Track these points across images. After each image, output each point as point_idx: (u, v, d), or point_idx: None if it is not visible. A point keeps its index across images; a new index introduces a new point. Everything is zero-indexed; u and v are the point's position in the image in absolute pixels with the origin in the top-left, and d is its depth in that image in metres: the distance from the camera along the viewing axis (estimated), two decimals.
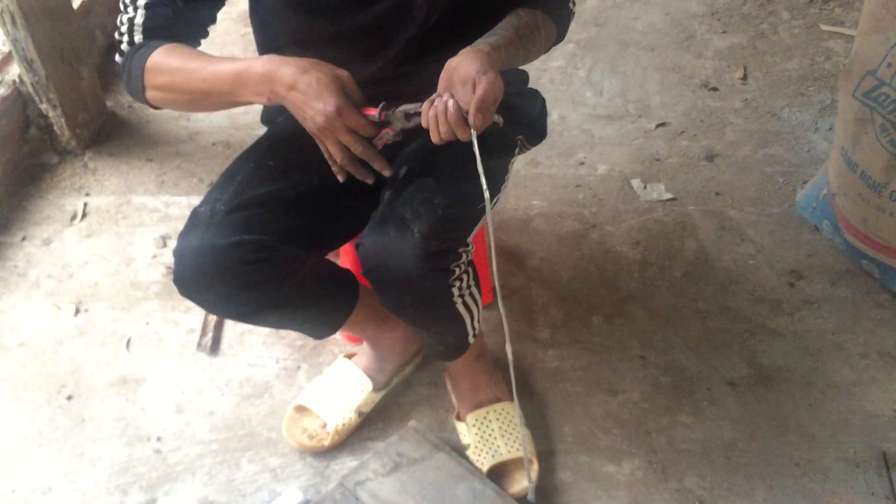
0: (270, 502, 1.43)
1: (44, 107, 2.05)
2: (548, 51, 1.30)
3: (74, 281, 1.83)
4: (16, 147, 2.08)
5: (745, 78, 2.39)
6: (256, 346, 1.70)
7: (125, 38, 1.22)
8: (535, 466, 1.45)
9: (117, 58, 1.24)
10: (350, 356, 1.60)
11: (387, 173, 1.19)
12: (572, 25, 1.34)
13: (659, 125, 2.24)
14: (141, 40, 1.21)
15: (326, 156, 1.19)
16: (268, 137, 1.38)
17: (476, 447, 1.46)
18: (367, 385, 1.53)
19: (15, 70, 2.03)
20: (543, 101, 1.50)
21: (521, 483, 1.42)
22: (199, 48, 1.25)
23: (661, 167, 2.11)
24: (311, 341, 1.67)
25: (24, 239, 1.93)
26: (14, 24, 1.87)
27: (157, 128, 2.23)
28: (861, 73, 1.60)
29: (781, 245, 1.90)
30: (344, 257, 1.61)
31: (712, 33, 2.56)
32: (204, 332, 1.71)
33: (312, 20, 1.23)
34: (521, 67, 1.42)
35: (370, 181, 1.21)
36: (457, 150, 1.10)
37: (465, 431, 1.50)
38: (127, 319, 1.75)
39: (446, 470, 1.41)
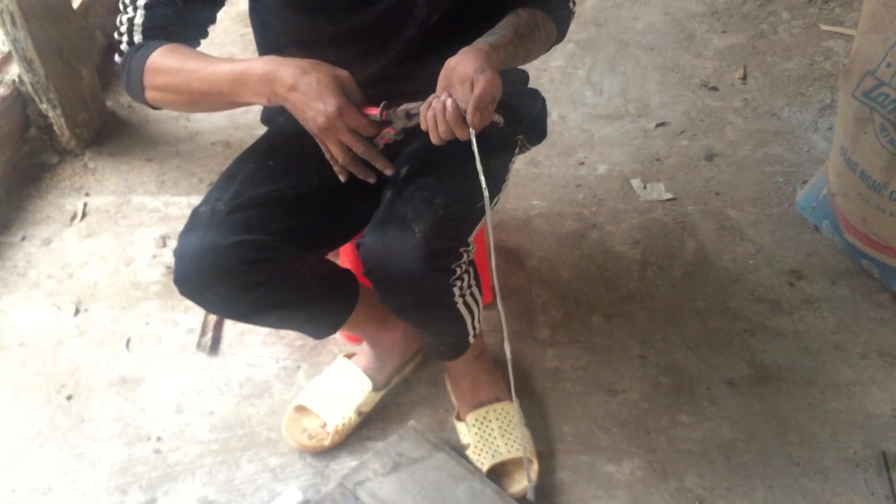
0: (270, 502, 1.43)
1: (43, 107, 2.05)
2: (548, 50, 1.30)
3: (74, 281, 1.83)
4: (15, 147, 2.08)
5: (744, 78, 2.39)
6: (256, 345, 1.70)
7: (124, 38, 1.22)
8: (535, 466, 1.45)
9: (116, 58, 1.24)
10: (350, 356, 1.60)
11: (389, 172, 1.19)
12: (572, 25, 1.34)
13: (659, 125, 2.24)
14: (140, 40, 1.21)
15: (328, 156, 1.19)
16: (268, 137, 1.38)
17: (476, 447, 1.46)
18: (367, 385, 1.53)
19: (14, 70, 2.03)
20: (543, 100, 1.50)
21: (521, 483, 1.42)
22: (199, 48, 1.25)
23: (660, 167, 2.11)
24: (310, 341, 1.67)
25: (23, 239, 1.93)
26: (14, 23, 1.87)
27: (156, 128, 2.23)
28: (861, 72, 1.60)
29: (781, 245, 1.90)
30: (344, 257, 1.61)
31: (712, 33, 2.56)
32: (203, 332, 1.71)
33: (313, 20, 1.23)
34: (520, 67, 1.42)
35: (372, 180, 1.21)
36: (457, 149, 1.10)
37: (465, 431, 1.50)
38: (127, 319, 1.75)
39: (446, 470, 1.41)
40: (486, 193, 1.07)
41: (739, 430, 1.55)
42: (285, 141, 1.33)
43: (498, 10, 1.21)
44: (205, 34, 1.27)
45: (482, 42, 1.11)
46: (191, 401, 1.60)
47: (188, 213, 1.23)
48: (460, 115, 1.05)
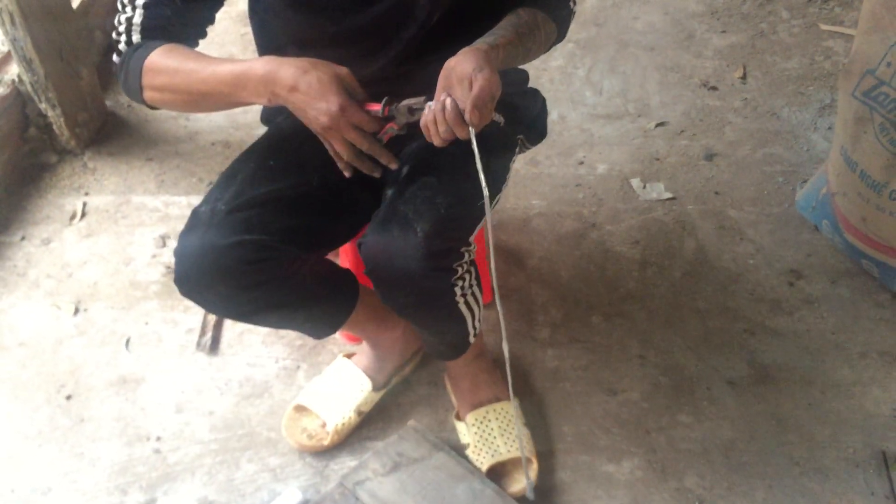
0: (270, 502, 1.43)
1: (43, 106, 2.05)
2: (548, 50, 1.30)
3: (74, 281, 1.83)
4: (15, 147, 2.08)
5: (744, 77, 2.39)
6: (256, 345, 1.70)
7: (123, 37, 1.21)
8: (535, 466, 1.45)
9: (115, 58, 1.24)
10: (349, 356, 1.60)
11: (394, 166, 1.20)
12: (572, 25, 1.34)
13: (658, 124, 2.24)
14: (139, 40, 1.20)
15: (332, 153, 1.19)
16: (268, 137, 1.38)
17: (475, 447, 1.46)
18: (367, 384, 1.53)
19: (14, 70, 2.03)
20: (543, 100, 1.50)
21: (521, 482, 1.42)
22: (197, 48, 1.25)
23: (660, 166, 2.11)
24: (310, 341, 1.67)
25: (23, 238, 1.93)
26: (13, 23, 1.87)
27: (156, 127, 2.23)
28: (860, 72, 1.60)
29: (781, 244, 1.90)
30: (344, 257, 1.61)
31: (712, 33, 2.56)
32: (203, 332, 1.71)
33: (313, 20, 1.23)
34: (520, 67, 1.42)
35: (377, 175, 1.21)
36: (458, 149, 1.11)
37: (465, 431, 1.50)
38: (126, 319, 1.75)
39: (446, 469, 1.40)
40: (486, 192, 1.07)
41: (739, 429, 1.55)
42: (285, 141, 1.33)
43: (498, 10, 1.21)
44: (204, 34, 1.27)
45: (481, 42, 1.11)
46: (191, 401, 1.60)
47: (188, 212, 1.23)
48: (459, 115, 1.05)
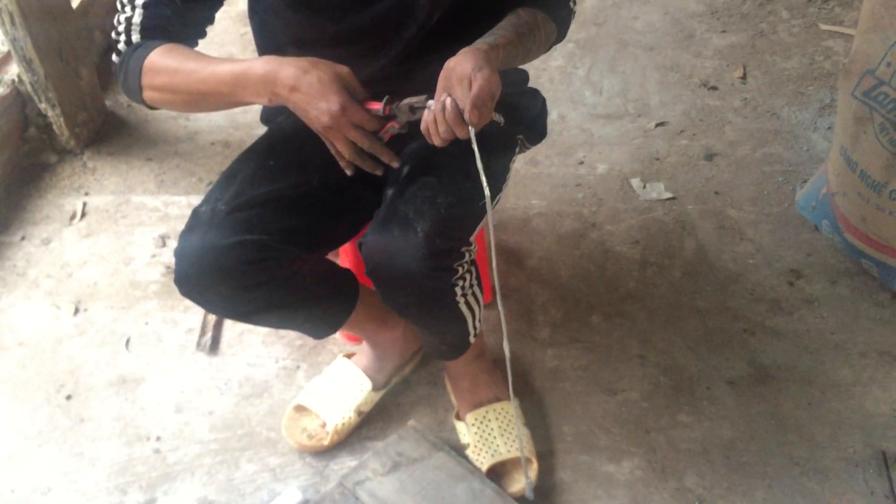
0: (270, 502, 1.43)
1: (43, 106, 2.05)
2: (548, 50, 1.30)
3: (73, 280, 1.83)
4: (15, 146, 2.08)
5: (744, 77, 2.39)
6: (256, 345, 1.69)
7: (122, 37, 1.21)
8: (535, 466, 1.45)
9: (114, 57, 1.24)
10: (349, 356, 1.60)
11: (395, 164, 1.20)
12: (572, 25, 1.34)
13: (658, 124, 2.24)
14: (138, 40, 1.20)
15: (334, 152, 1.19)
16: (268, 137, 1.38)
17: (475, 446, 1.46)
18: (367, 384, 1.53)
19: (14, 69, 2.03)
20: (543, 100, 1.50)
21: (521, 482, 1.42)
22: (197, 48, 1.25)
23: (660, 166, 2.11)
24: (310, 341, 1.67)
25: (23, 238, 1.93)
26: (13, 23, 1.87)
27: (156, 127, 2.23)
28: (860, 72, 1.60)
29: (781, 244, 1.90)
30: (344, 257, 1.61)
31: (712, 32, 2.56)
32: (203, 332, 1.71)
33: (313, 20, 1.23)
34: (520, 67, 1.42)
35: (379, 173, 1.21)
36: (459, 149, 1.11)
37: (465, 431, 1.50)
38: (126, 319, 1.75)
39: (446, 469, 1.40)
40: (486, 192, 1.07)
41: (739, 429, 1.55)
42: (285, 141, 1.33)
43: (498, 9, 1.21)
44: (203, 34, 1.27)
45: (481, 42, 1.11)
46: (190, 400, 1.60)
47: (188, 212, 1.23)
48: (460, 114, 1.05)
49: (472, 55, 1.06)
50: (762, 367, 1.65)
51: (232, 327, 1.73)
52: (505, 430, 1.47)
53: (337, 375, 1.55)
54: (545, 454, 1.50)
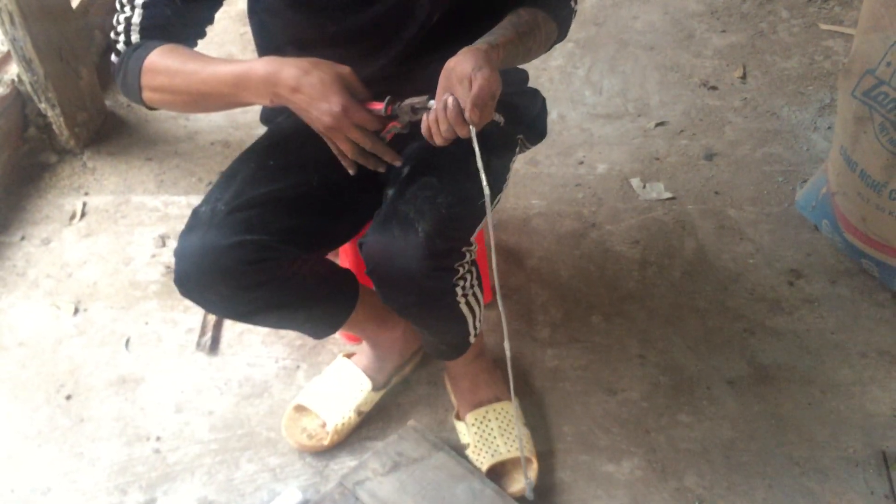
0: (270, 502, 1.43)
1: (42, 106, 2.05)
2: (549, 49, 1.30)
3: (73, 280, 1.83)
4: (14, 146, 2.08)
5: (744, 77, 2.39)
6: (255, 345, 1.69)
7: (122, 37, 1.21)
8: (535, 466, 1.45)
9: (113, 58, 1.23)
10: (349, 355, 1.60)
11: (397, 163, 1.20)
12: (572, 24, 1.33)
13: (658, 124, 2.24)
14: (138, 40, 1.20)
15: (336, 152, 1.18)
16: (268, 137, 1.38)
17: (475, 446, 1.46)
18: (367, 384, 1.53)
19: (13, 69, 2.03)
20: (543, 100, 1.50)
21: (521, 482, 1.42)
22: (196, 48, 1.25)
23: (660, 166, 2.11)
24: (310, 341, 1.67)
25: (23, 238, 1.93)
26: (13, 23, 1.86)
27: (156, 127, 2.23)
28: (860, 71, 1.60)
29: (781, 244, 1.90)
30: (343, 257, 1.61)
31: (711, 32, 2.56)
32: (203, 332, 1.71)
33: (313, 20, 1.23)
34: (520, 67, 1.42)
35: (382, 169, 1.21)
36: (459, 149, 1.11)
37: (465, 431, 1.50)
38: (126, 319, 1.75)
39: (446, 469, 1.40)
40: (486, 191, 1.07)
41: (739, 429, 1.55)
42: (285, 141, 1.33)
43: (499, 9, 1.21)
44: (203, 34, 1.27)
45: (482, 42, 1.11)
46: (190, 400, 1.60)
47: (187, 212, 1.23)
48: (461, 113, 1.05)
49: (472, 55, 1.06)
50: (762, 367, 1.65)
51: (232, 327, 1.73)
52: (505, 429, 1.47)
53: (337, 375, 1.55)
54: (545, 454, 1.50)
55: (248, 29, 1.37)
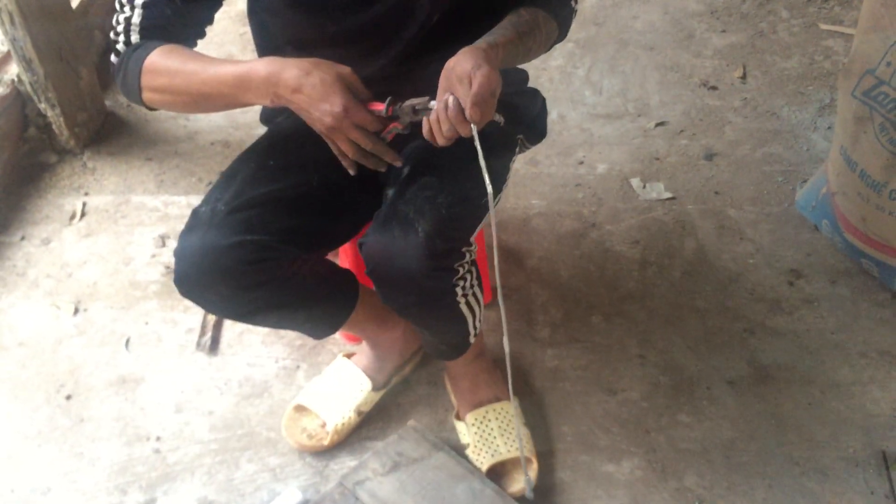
0: (270, 502, 1.43)
1: (42, 106, 2.05)
2: (549, 49, 1.30)
3: (73, 280, 1.83)
4: (14, 146, 2.08)
5: (744, 77, 2.39)
6: (255, 345, 1.69)
7: (121, 38, 1.21)
8: (535, 465, 1.45)
9: (113, 58, 1.23)
10: (349, 355, 1.60)
11: (398, 164, 1.19)
12: (572, 24, 1.33)
13: (658, 124, 2.24)
14: (138, 40, 1.20)
15: (336, 152, 1.18)
16: (268, 137, 1.38)
17: (475, 446, 1.46)
18: (367, 384, 1.52)
19: (13, 69, 2.03)
20: (543, 100, 1.50)
21: (521, 482, 1.42)
22: (196, 48, 1.25)
23: (660, 166, 2.11)
24: (310, 341, 1.67)
25: (23, 238, 1.93)
26: (12, 23, 1.86)
27: (156, 127, 2.23)
28: (860, 71, 1.60)
29: (781, 244, 1.90)
30: (343, 257, 1.61)
31: (711, 32, 2.56)
32: (203, 332, 1.71)
33: (313, 20, 1.23)
34: (520, 66, 1.42)
35: (383, 168, 1.21)
36: (459, 149, 1.11)
37: (465, 431, 1.50)
38: (126, 319, 1.75)
39: (446, 469, 1.40)
40: (489, 189, 1.07)
41: (739, 429, 1.55)
42: (285, 141, 1.33)
43: (499, 9, 1.21)
44: (203, 34, 1.27)
45: (481, 41, 1.11)
46: (190, 400, 1.60)
47: (187, 212, 1.23)
48: (462, 112, 1.05)
49: (471, 54, 1.06)
50: (762, 367, 1.65)
51: (232, 327, 1.73)
52: (505, 429, 1.47)
53: (337, 375, 1.55)
54: (545, 454, 1.50)
55: (248, 29, 1.37)
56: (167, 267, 1.85)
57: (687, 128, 2.22)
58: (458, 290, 1.24)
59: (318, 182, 1.27)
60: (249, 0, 1.31)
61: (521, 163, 2.08)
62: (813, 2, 2.64)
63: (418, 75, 1.20)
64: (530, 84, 1.52)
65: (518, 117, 1.39)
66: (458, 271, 1.22)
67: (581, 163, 2.12)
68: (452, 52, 1.08)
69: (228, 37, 2.53)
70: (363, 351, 1.57)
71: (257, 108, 1.40)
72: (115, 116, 2.25)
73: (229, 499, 1.45)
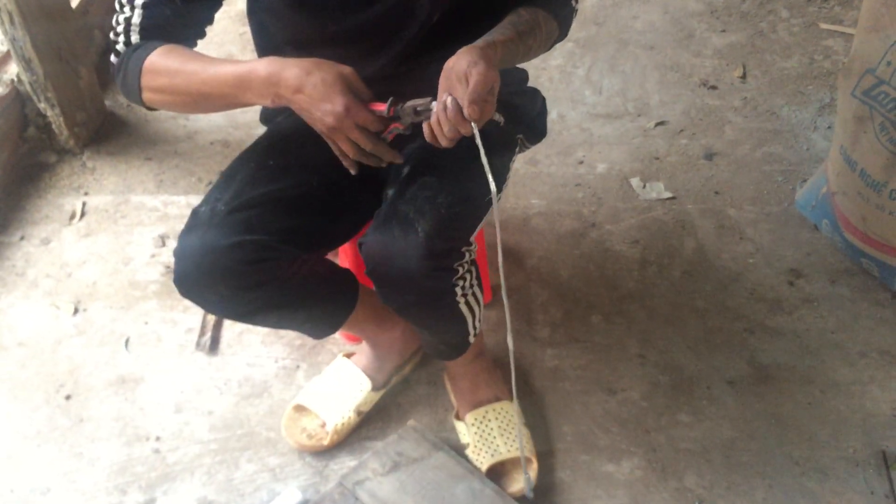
0: (269, 502, 1.43)
1: (42, 106, 2.05)
2: (550, 48, 1.29)
3: (73, 280, 1.83)
4: (14, 146, 2.08)
5: (744, 76, 2.39)
6: (255, 345, 1.69)
7: (121, 38, 1.21)
8: (535, 465, 1.45)
9: (112, 58, 1.23)
10: (349, 355, 1.60)
11: (399, 161, 1.19)
12: (572, 24, 1.33)
13: (658, 124, 2.24)
14: (138, 40, 1.20)
15: (337, 152, 1.18)
16: (268, 137, 1.37)
17: (475, 446, 1.46)
18: (366, 384, 1.52)
19: (13, 69, 2.03)
20: (543, 99, 1.50)
21: (521, 482, 1.42)
22: (195, 48, 1.25)
23: (660, 166, 2.11)
24: (310, 341, 1.67)
25: (22, 238, 1.93)
26: (12, 22, 1.86)
27: (155, 127, 2.23)
28: (860, 71, 1.60)
29: (781, 244, 1.90)
30: (343, 257, 1.60)
31: (711, 32, 2.56)
32: (203, 332, 1.71)
33: (313, 19, 1.23)
34: (520, 66, 1.42)
35: (383, 165, 1.20)
36: (459, 148, 1.10)
37: (465, 430, 1.50)
38: (125, 319, 1.75)
39: (445, 469, 1.40)
40: (493, 187, 1.07)
41: (739, 429, 1.55)
42: (285, 141, 1.33)
43: (499, 9, 1.21)
44: (202, 34, 1.27)
45: (479, 40, 1.11)
46: (190, 400, 1.60)
47: (187, 212, 1.23)
48: (461, 112, 1.05)
49: (468, 52, 1.06)
50: (762, 366, 1.65)
51: (231, 327, 1.72)
52: (505, 429, 1.47)
53: (336, 375, 1.55)
54: (545, 454, 1.50)
55: (248, 29, 1.37)
56: (167, 267, 1.85)
57: (687, 127, 2.22)
58: (458, 290, 1.24)
59: (318, 182, 1.27)
60: (249, 0, 1.31)
61: (521, 162, 2.08)
62: (813, 1, 2.64)
63: (418, 75, 1.20)
64: (530, 83, 1.52)
65: (518, 117, 1.39)
66: (458, 271, 1.22)
67: (581, 162, 2.12)
68: (453, 52, 1.08)
69: (228, 37, 2.53)
70: (363, 351, 1.57)
71: (257, 108, 1.39)
72: (114, 116, 2.25)
73: (229, 499, 1.45)
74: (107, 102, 2.26)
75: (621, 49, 2.50)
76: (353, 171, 1.21)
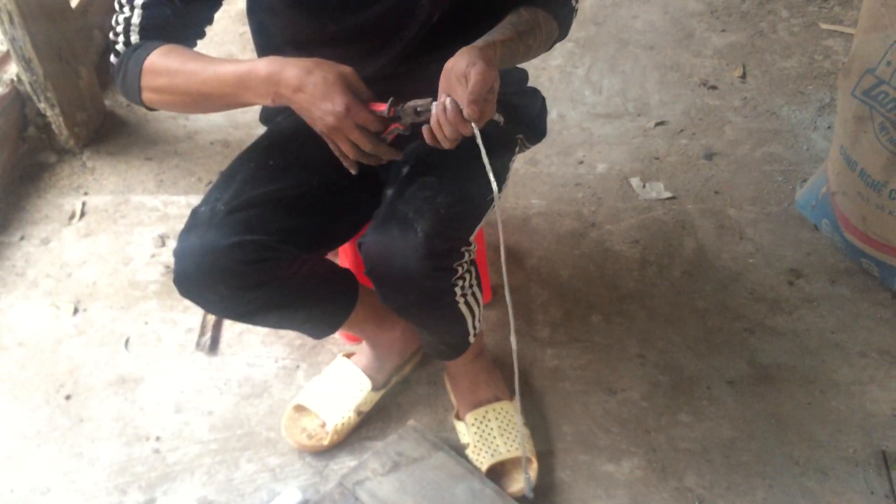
0: (269, 502, 1.43)
1: (42, 106, 2.05)
2: (550, 48, 1.29)
3: (73, 280, 1.83)
4: (14, 146, 2.08)
5: (744, 76, 2.39)
6: (255, 345, 1.69)
7: (121, 38, 1.21)
8: (535, 465, 1.45)
9: (112, 58, 1.23)
10: (349, 355, 1.60)
11: (399, 157, 1.19)
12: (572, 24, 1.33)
13: (658, 124, 2.24)
14: (137, 41, 1.20)
15: (337, 152, 1.18)
16: (268, 137, 1.37)
17: (475, 446, 1.46)
18: (366, 384, 1.52)
19: (13, 69, 2.03)
20: (543, 99, 1.49)
21: (520, 482, 1.42)
22: (195, 48, 1.24)
23: (660, 166, 2.11)
24: (309, 341, 1.67)
25: (22, 238, 1.93)
26: (12, 22, 1.86)
27: (155, 127, 2.23)
28: (860, 71, 1.60)
29: (781, 244, 1.90)
30: (343, 257, 1.60)
31: (711, 32, 2.56)
32: (203, 332, 1.71)
33: (313, 19, 1.22)
34: (520, 66, 1.42)
35: (383, 162, 1.20)
36: (458, 148, 1.10)
37: (464, 430, 1.50)
38: (125, 319, 1.75)
39: (445, 469, 1.40)
40: (494, 187, 1.07)
41: (739, 429, 1.55)
42: (285, 141, 1.32)
43: (499, 9, 1.21)
44: (202, 34, 1.27)
45: (479, 40, 1.11)
46: (190, 400, 1.60)
47: (187, 212, 1.23)
48: (460, 112, 1.05)
49: (467, 52, 1.06)
50: (762, 366, 1.65)
51: (231, 327, 1.72)
52: (505, 429, 1.47)
53: (336, 375, 1.55)
54: (545, 454, 1.50)
55: (248, 29, 1.37)
56: (167, 267, 1.85)
57: (687, 127, 2.22)
58: (457, 290, 1.24)
59: (318, 182, 1.27)
60: (249, 0, 1.31)
61: (520, 162, 2.08)
62: (813, 1, 2.64)
63: (418, 75, 1.20)
64: (530, 83, 1.52)
65: (518, 117, 1.39)
66: (457, 271, 1.22)
67: (581, 162, 2.12)
68: (453, 52, 1.08)
69: (228, 37, 2.52)
70: (363, 351, 1.57)
71: (257, 108, 1.39)
72: (114, 116, 2.25)
73: (229, 499, 1.45)
74: (107, 102, 2.26)
75: (621, 49, 2.50)
76: (353, 171, 1.21)
